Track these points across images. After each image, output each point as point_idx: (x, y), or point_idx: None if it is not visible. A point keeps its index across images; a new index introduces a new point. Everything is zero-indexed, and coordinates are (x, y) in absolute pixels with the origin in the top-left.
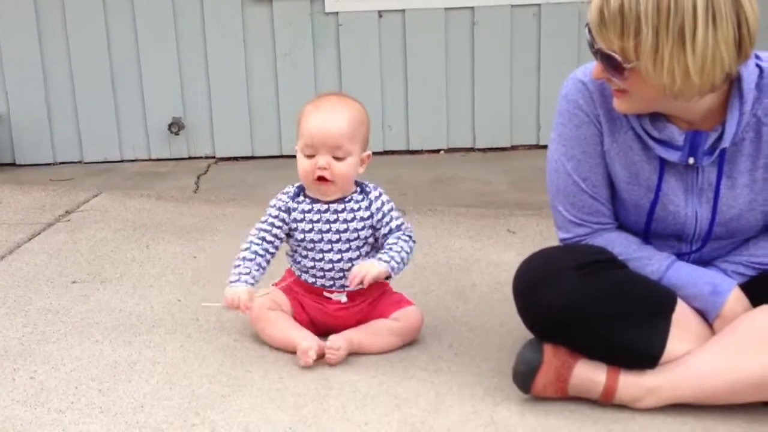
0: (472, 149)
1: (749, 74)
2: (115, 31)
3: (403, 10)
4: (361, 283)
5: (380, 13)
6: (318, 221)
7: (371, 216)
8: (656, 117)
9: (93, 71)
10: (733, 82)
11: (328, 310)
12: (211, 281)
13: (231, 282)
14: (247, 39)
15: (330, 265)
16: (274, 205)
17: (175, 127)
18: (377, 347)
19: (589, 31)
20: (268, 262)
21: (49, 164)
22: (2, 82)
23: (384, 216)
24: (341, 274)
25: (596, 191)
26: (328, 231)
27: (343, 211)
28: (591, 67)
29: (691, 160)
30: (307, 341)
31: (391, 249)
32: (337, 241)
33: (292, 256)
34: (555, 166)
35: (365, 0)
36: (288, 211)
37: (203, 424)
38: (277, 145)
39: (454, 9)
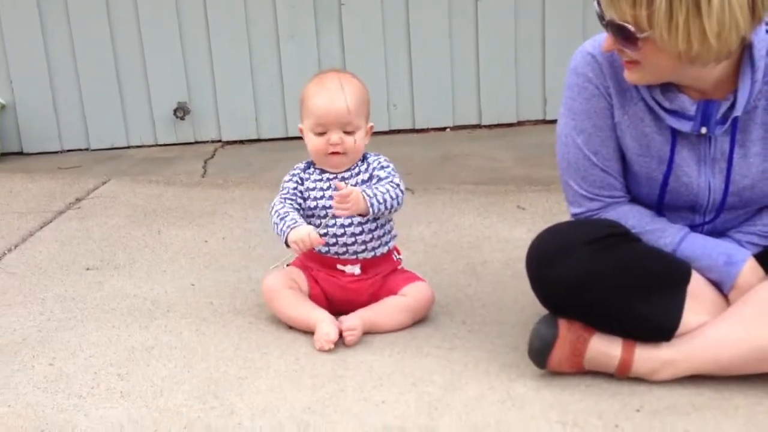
0: (478, 126)
1: (760, 41)
2: (117, 17)
3: None
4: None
5: None
6: (328, 188)
7: (370, 178)
8: (667, 87)
9: (97, 58)
10: (745, 50)
11: (342, 282)
12: (224, 265)
13: (289, 227)
14: (249, 22)
15: (342, 230)
16: (290, 179)
17: (181, 111)
18: (389, 325)
19: (599, 3)
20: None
21: (56, 152)
22: (6, 72)
23: (375, 170)
24: (353, 239)
25: (607, 165)
26: None
27: (350, 177)
28: (600, 39)
29: (703, 130)
30: (326, 325)
31: (376, 189)
32: None
33: None
34: (565, 140)
35: None
36: (301, 181)
37: (222, 407)
38: (282, 128)
39: None
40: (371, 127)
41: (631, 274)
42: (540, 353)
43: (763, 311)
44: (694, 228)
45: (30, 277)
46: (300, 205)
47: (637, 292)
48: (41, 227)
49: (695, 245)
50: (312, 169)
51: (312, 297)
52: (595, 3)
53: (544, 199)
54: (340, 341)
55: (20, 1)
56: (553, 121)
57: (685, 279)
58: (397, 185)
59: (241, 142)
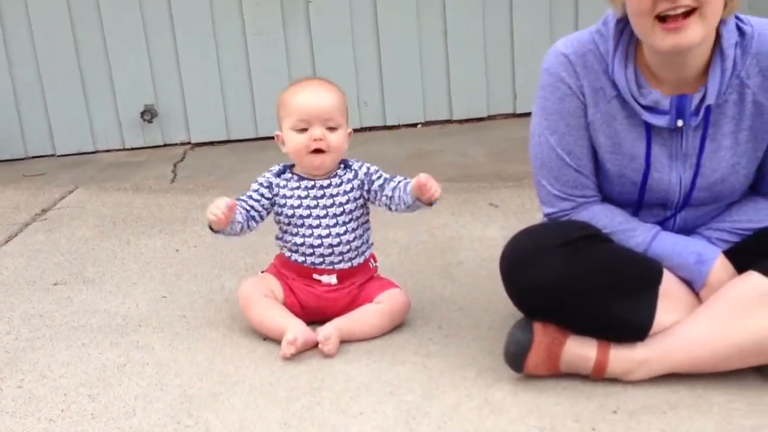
0: (449, 121)
1: (729, 32)
2: (80, 18)
3: None
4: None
5: None
6: (306, 197)
7: (361, 184)
8: (640, 84)
9: (59, 61)
10: (716, 42)
11: (318, 292)
12: (196, 275)
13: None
14: (215, 20)
15: (319, 241)
16: (257, 181)
17: (148, 114)
18: (366, 332)
19: None
20: (249, 219)
21: (21, 159)
22: None
23: (372, 175)
24: (330, 251)
25: (580, 164)
26: (315, 207)
27: (329, 186)
28: (572, 38)
29: (680, 123)
30: (291, 332)
31: (407, 181)
32: (325, 216)
33: (281, 238)
34: (538, 140)
35: None
36: (270, 186)
37: (197, 425)
38: (252, 128)
39: None
40: (350, 133)
41: (604, 275)
42: (516, 358)
43: (735, 309)
44: (663, 223)
45: None
46: (253, 206)
47: (610, 293)
48: (6, 241)
49: (666, 244)
50: (288, 174)
51: (287, 305)
52: None
53: (516, 196)
54: (317, 352)
55: None
56: (524, 115)
57: (657, 279)
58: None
59: (211, 143)
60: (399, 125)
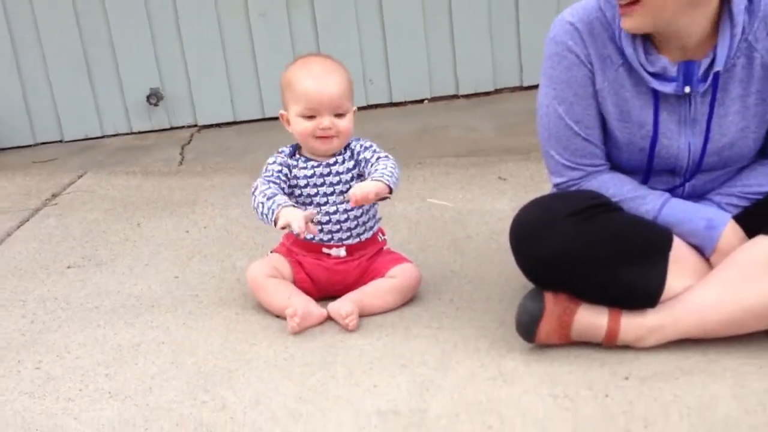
0: (456, 96)
1: None
2: (84, 3)
3: None
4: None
5: None
6: (312, 176)
7: (356, 164)
8: (648, 50)
9: (65, 47)
10: (724, 6)
11: (328, 264)
12: (207, 256)
13: (279, 206)
14: (218, 1)
15: (327, 218)
16: (274, 161)
17: (154, 98)
18: (378, 307)
19: None
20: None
21: (29, 146)
22: None
23: (360, 153)
24: (338, 227)
25: (589, 133)
26: (322, 185)
27: (334, 164)
28: (578, 7)
29: (687, 89)
30: (291, 308)
31: (376, 170)
32: (332, 193)
33: None
34: (546, 110)
35: None
36: (288, 167)
37: (213, 401)
38: (258, 108)
39: None
40: (355, 111)
41: (614, 243)
42: (528, 328)
43: (746, 273)
44: (673, 190)
45: (10, 279)
46: (283, 190)
47: (620, 261)
48: (19, 226)
49: (676, 211)
50: (297, 156)
51: (297, 282)
52: None
53: (525, 168)
54: (329, 327)
55: None
56: (530, 88)
57: (668, 245)
58: (387, 156)
59: (218, 125)
60: (405, 102)
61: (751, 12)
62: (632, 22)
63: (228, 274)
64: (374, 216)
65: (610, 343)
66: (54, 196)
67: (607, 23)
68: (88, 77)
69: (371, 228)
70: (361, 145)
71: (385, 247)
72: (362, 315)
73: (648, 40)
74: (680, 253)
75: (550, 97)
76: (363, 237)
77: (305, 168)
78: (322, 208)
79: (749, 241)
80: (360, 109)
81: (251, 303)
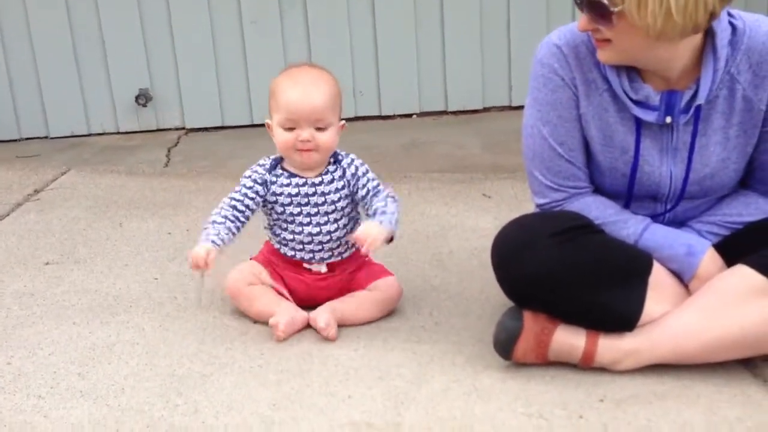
0: (444, 112)
1: (722, 30)
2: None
3: None
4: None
5: None
6: (297, 195)
7: (347, 184)
8: (632, 78)
9: (54, 43)
10: (707, 39)
11: (308, 280)
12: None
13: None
14: (211, 6)
15: (309, 238)
16: (249, 176)
17: (143, 98)
18: (358, 318)
19: None
20: (238, 229)
21: (14, 140)
22: None
23: (359, 179)
24: (320, 247)
25: (572, 155)
26: (306, 204)
27: (320, 183)
28: (565, 30)
29: (668, 119)
30: (274, 318)
31: (384, 213)
32: (316, 214)
33: (270, 229)
34: (531, 131)
35: None
36: (264, 183)
37: (186, 405)
38: (247, 114)
39: None
40: (343, 125)
41: (594, 265)
42: (505, 345)
43: (724, 301)
44: (655, 217)
45: None
46: (248, 206)
47: (600, 283)
48: None
49: (657, 236)
50: (279, 170)
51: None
52: None
53: (510, 187)
54: (306, 335)
55: None
56: (519, 107)
57: (647, 270)
58: (393, 197)
59: (206, 129)
60: (394, 115)
61: (734, 45)
62: (605, 56)
63: (207, 277)
64: None
65: (586, 365)
66: (36, 191)
67: (593, 48)
68: (77, 74)
69: (353, 246)
70: (356, 167)
71: (368, 258)
72: (341, 325)
73: (632, 68)
74: (659, 278)
75: (535, 117)
76: (344, 255)
77: (288, 185)
78: (305, 228)
79: (728, 270)
80: (348, 120)
81: (229, 307)
